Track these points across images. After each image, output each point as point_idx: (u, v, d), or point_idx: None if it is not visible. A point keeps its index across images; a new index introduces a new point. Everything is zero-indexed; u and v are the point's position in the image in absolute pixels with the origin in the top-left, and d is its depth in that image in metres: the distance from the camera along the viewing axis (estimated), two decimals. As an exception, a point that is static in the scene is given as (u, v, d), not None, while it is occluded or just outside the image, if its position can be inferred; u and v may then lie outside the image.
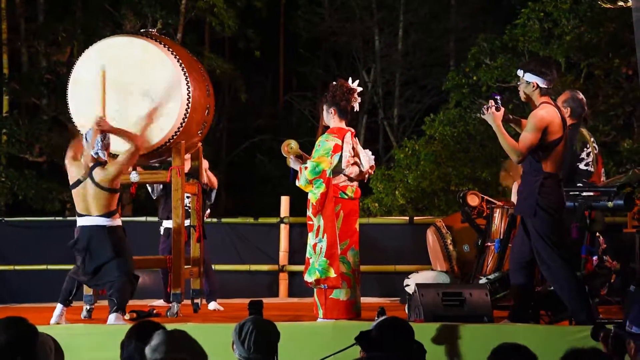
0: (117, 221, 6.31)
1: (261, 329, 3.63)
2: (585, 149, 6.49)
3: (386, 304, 7.49)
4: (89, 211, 6.23)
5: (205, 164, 7.65)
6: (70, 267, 6.53)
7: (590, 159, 6.49)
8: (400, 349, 4.10)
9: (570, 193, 5.86)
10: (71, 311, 6.40)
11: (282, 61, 20.44)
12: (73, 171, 6.30)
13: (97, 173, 6.19)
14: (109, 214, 6.23)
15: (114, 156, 6.43)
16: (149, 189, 8.14)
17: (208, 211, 7.99)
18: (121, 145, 6.49)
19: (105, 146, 6.26)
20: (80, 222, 6.29)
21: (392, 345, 4.07)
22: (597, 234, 6.67)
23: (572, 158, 6.36)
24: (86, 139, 6.26)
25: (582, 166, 6.45)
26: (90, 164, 6.22)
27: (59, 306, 6.28)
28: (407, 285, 7.27)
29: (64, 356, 3.42)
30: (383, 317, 4.80)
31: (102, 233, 6.19)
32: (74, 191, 6.31)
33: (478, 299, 5.54)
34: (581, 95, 6.56)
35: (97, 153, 6.21)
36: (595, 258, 6.50)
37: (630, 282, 6.63)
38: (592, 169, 6.48)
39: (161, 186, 7.98)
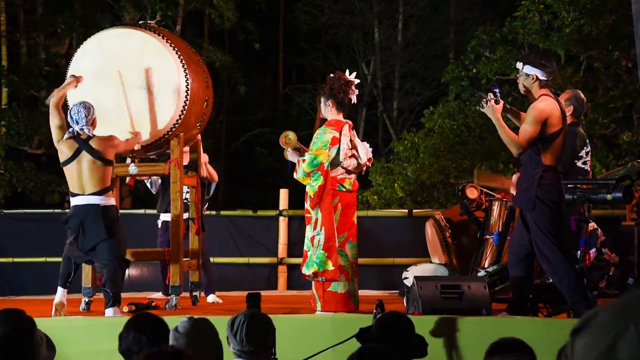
0: (111, 200, 6.23)
1: (253, 321, 3.63)
2: (585, 147, 6.50)
3: (385, 296, 7.49)
4: (83, 189, 6.14)
5: (204, 157, 7.64)
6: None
7: (588, 158, 6.50)
8: (401, 343, 4.10)
9: (569, 186, 5.86)
10: (69, 304, 6.40)
11: (281, 54, 20.42)
12: (64, 149, 6.25)
13: (93, 142, 6.15)
14: (103, 191, 6.14)
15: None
16: (147, 184, 8.13)
17: (206, 205, 7.99)
18: (118, 136, 6.50)
19: (90, 121, 6.22)
20: (74, 201, 6.22)
21: (392, 339, 4.07)
22: (596, 226, 6.68)
23: (573, 155, 6.37)
24: (70, 116, 6.23)
25: (579, 164, 6.45)
26: (83, 139, 6.18)
27: (59, 289, 6.26)
28: (406, 278, 7.28)
29: (56, 350, 3.43)
30: (382, 312, 4.81)
31: (95, 212, 6.11)
32: (67, 168, 6.22)
33: (476, 292, 5.54)
34: (583, 95, 6.56)
35: (82, 129, 6.18)
36: (593, 251, 6.50)
37: (628, 275, 6.64)
38: (588, 168, 6.50)
39: (160, 181, 7.97)
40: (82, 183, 6.16)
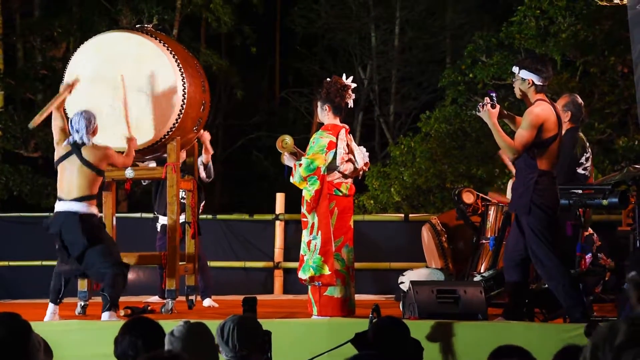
0: (93, 209, 6.17)
1: (242, 325, 3.62)
2: (585, 154, 6.50)
3: (381, 301, 7.50)
4: (67, 193, 6.12)
5: (207, 135, 7.51)
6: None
7: (588, 164, 6.51)
8: (396, 348, 4.10)
9: (571, 191, 5.87)
10: (65, 307, 6.39)
11: (278, 58, 20.41)
12: (61, 150, 6.24)
13: (85, 150, 6.14)
14: (85, 198, 6.10)
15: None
16: None
17: (204, 202, 7.95)
18: (114, 141, 6.50)
19: (92, 131, 6.20)
20: (57, 206, 6.22)
21: (388, 344, 4.07)
22: (592, 231, 6.69)
23: (572, 162, 6.37)
24: (71, 124, 6.21)
25: (580, 170, 6.46)
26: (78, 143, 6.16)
27: (50, 305, 6.23)
28: (402, 282, 7.27)
29: (53, 354, 3.43)
30: (378, 316, 4.81)
31: (73, 219, 6.08)
32: (59, 167, 6.20)
33: (472, 297, 5.54)
34: (580, 100, 6.57)
35: (81, 138, 6.16)
36: (589, 256, 6.51)
37: (624, 280, 6.64)
38: (588, 174, 6.50)
39: None
40: (68, 185, 6.14)
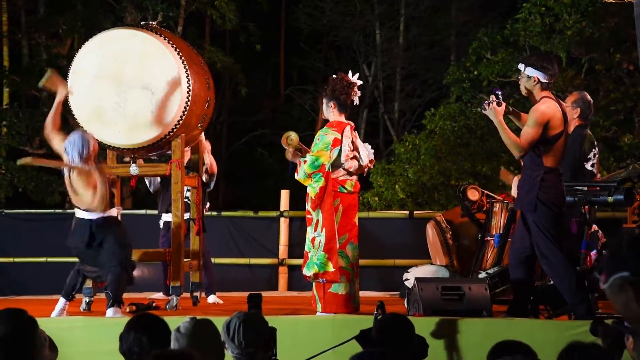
0: (107, 212, 6.18)
1: (248, 322, 3.61)
2: (593, 150, 6.50)
3: (386, 298, 7.49)
4: (76, 204, 6.15)
5: (207, 146, 7.59)
6: (69, 259, 6.51)
7: (595, 160, 6.51)
8: (401, 344, 4.11)
9: (575, 188, 5.86)
10: (71, 304, 6.40)
11: (282, 55, 20.43)
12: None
13: (73, 174, 6.08)
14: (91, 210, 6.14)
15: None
16: (147, 182, 8.13)
17: (208, 205, 7.98)
18: (117, 137, 6.51)
19: (85, 159, 6.02)
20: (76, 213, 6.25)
21: (392, 341, 4.07)
22: (597, 228, 6.68)
23: (581, 158, 6.37)
24: (66, 150, 6.07)
25: (588, 166, 6.45)
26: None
27: (61, 300, 6.25)
28: (407, 279, 7.27)
29: (58, 351, 3.44)
30: (383, 313, 4.81)
31: (86, 227, 6.11)
32: (65, 177, 6.21)
33: (477, 294, 5.54)
34: (589, 97, 6.56)
35: (76, 164, 6.04)
36: (594, 253, 6.50)
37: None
38: (595, 171, 6.50)
39: (158, 179, 7.96)
40: (73, 198, 6.15)
